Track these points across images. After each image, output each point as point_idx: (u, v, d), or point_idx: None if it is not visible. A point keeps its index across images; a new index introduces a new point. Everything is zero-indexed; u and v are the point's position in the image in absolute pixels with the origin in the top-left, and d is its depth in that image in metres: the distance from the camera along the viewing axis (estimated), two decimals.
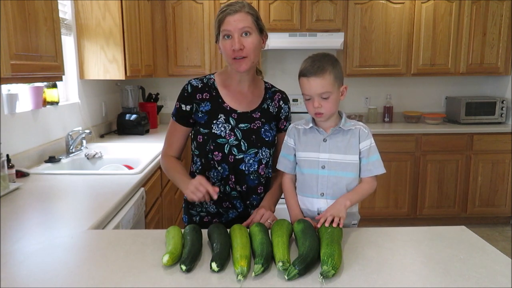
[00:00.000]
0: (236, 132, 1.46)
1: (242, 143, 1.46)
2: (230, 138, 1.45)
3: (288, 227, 1.20)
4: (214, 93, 1.49)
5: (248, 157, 1.47)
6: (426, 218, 3.87)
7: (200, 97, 1.48)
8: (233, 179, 1.48)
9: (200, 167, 1.52)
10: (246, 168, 1.47)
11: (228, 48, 1.39)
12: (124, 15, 2.91)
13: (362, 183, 1.38)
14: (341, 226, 1.19)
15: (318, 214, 1.36)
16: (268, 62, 4.19)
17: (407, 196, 3.84)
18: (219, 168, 1.47)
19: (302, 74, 1.31)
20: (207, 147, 1.46)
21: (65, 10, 2.80)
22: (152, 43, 3.75)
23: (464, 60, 3.95)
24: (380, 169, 1.36)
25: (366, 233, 1.28)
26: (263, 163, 1.50)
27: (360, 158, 1.36)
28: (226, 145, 1.45)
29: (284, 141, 1.46)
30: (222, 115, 1.46)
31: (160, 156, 1.60)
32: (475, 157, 3.81)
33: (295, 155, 1.43)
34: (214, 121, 1.46)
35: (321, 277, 0.97)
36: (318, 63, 1.29)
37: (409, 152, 3.79)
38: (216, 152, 1.45)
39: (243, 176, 1.48)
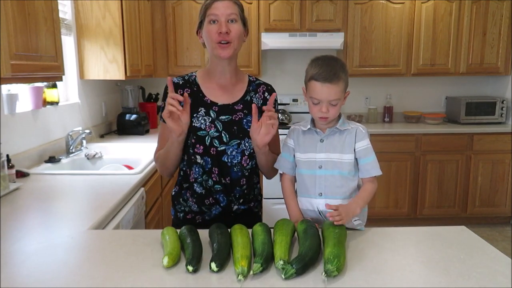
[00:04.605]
0: (217, 124, 1.46)
1: (223, 134, 1.45)
2: (210, 130, 1.45)
3: (292, 228, 1.20)
4: (195, 89, 1.50)
5: (231, 149, 1.46)
6: (426, 218, 3.87)
7: (181, 92, 1.48)
8: (217, 172, 1.47)
9: (185, 163, 1.52)
10: (229, 160, 1.47)
11: (213, 32, 1.39)
12: (124, 15, 2.91)
13: (364, 186, 1.37)
14: (337, 224, 1.18)
15: (320, 213, 1.36)
16: (268, 62, 4.18)
17: (407, 196, 3.84)
18: (201, 161, 1.46)
19: (315, 78, 1.29)
20: (189, 142, 1.47)
21: (65, 10, 2.80)
22: (152, 43, 3.75)
23: (464, 60, 3.95)
24: (377, 170, 1.36)
25: (366, 233, 1.29)
26: (246, 154, 1.49)
27: (356, 158, 1.36)
28: (206, 137, 1.45)
29: (284, 142, 1.46)
30: (202, 108, 1.47)
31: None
32: (475, 157, 3.81)
33: (294, 156, 1.43)
34: (195, 115, 1.46)
35: (325, 274, 0.97)
36: (331, 68, 1.28)
37: (409, 152, 3.79)
38: (198, 145, 1.45)
39: (227, 168, 1.47)
